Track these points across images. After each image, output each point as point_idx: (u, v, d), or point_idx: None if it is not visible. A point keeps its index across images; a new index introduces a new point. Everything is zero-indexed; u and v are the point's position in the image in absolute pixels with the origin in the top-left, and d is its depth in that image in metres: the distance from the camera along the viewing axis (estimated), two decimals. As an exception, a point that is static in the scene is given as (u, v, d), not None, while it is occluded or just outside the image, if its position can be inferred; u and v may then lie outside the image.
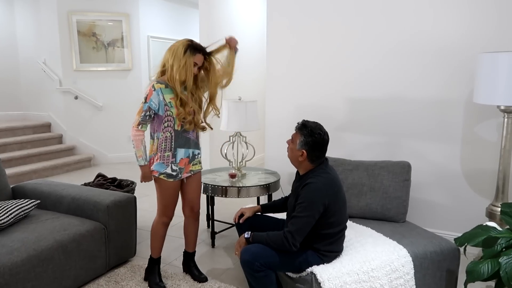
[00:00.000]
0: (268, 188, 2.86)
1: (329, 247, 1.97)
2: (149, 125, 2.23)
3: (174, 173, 2.23)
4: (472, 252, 2.58)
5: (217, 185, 2.80)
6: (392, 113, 3.00)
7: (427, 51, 2.84)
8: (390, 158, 3.01)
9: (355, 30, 3.05)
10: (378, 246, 2.09)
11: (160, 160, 2.21)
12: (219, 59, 2.32)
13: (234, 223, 2.27)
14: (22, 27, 5.95)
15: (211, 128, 2.41)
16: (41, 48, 5.74)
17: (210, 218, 2.99)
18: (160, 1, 6.09)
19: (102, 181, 3.27)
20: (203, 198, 3.63)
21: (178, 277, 2.49)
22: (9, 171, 4.58)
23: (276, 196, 3.06)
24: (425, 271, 2.09)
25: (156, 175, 2.22)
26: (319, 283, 1.86)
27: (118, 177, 3.43)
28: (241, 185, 2.83)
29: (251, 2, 5.36)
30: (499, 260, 1.72)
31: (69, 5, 5.42)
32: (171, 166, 2.22)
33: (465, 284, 1.83)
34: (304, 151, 1.94)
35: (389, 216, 2.49)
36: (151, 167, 2.22)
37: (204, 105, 2.34)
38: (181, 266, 2.58)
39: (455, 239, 1.97)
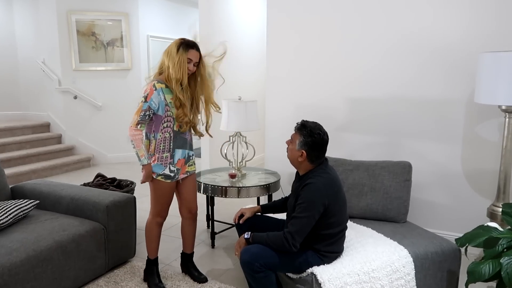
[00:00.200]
0: (268, 189, 2.85)
1: (330, 248, 1.97)
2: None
3: (172, 174, 2.23)
4: (473, 253, 2.57)
5: (217, 185, 2.79)
6: (392, 113, 2.99)
7: (428, 50, 2.83)
8: (390, 158, 3.01)
9: (355, 30, 3.04)
10: (379, 247, 2.09)
11: (158, 161, 2.20)
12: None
13: (234, 223, 2.26)
14: (21, 27, 5.94)
15: (211, 136, 2.44)
16: (40, 47, 5.73)
17: (210, 218, 2.98)
18: (159, 0, 6.08)
19: (102, 181, 3.26)
20: (203, 198, 3.62)
21: (177, 278, 2.48)
22: (8, 171, 4.57)
23: (276, 196, 3.05)
24: (426, 272, 2.09)
25: (154, 177, 2.21)
26: (320, 284, 1.86)
27: (118, 177, 3.42)
28: (241, 185, 2.82)
29: (251, 1, 5.35)
30: (500, 260, 1.72)
31: (68, 5, 5.41)
32: (169, 167, 2.22)
33: (466, 285, 1.83)
34: (304, 151, 1.94)
35: (390, 217, 2.49)
36: None
37: (202, 113, 2.32)
38: (180, 267, 2.56)
39: (456, 240, 1.96)
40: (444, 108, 2.83)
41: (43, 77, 5.72)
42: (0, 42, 5.84)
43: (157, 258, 2.41)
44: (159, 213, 2.30)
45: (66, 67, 5.52)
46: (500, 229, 1.91)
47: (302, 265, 1.95)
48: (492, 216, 2.42)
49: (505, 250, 1.79)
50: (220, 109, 2.42)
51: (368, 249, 2.07)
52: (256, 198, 3.20)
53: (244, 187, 2.80)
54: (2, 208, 2.27)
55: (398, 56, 2.93)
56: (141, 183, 2.24)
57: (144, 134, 2.21)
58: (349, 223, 2.36)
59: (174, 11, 6.37)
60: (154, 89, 2.12)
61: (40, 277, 2.06)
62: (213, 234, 2.94)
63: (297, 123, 2.01)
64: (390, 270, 1.96)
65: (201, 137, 2.41)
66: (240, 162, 3.11)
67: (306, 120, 2.00)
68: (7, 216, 2.23)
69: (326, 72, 3.19)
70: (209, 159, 4.61)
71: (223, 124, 3.04)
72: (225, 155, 3.14)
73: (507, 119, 2.35)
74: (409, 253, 2.05)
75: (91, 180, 3.38)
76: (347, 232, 2.16)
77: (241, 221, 2.21)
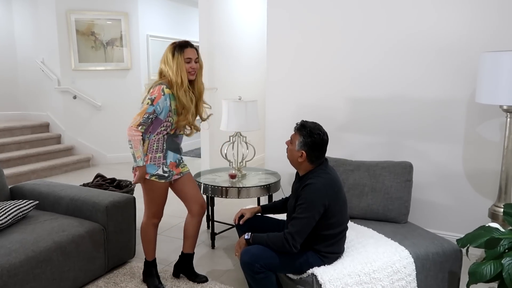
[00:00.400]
0: (269, 189, 2.84)
1: (330, 248, 1.96)
2: None
3: (166, 174, 2.23)
4: (475, 253, 2.57)
5: (217, 186, 2.78)
6: (393, 113, 2.98)
7: (429, 50, 2.82)
8: (391, 158, 3.00)
9: (356, 30, 3.03)
10: (380, 247, 2.08)
11: (151, 161, 2.20)
12: None
13: (234, 224, 2.26)
14: (20, 26, 5.92)
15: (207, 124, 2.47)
16: (39, 47, 5.71)
17: (210, 219, 2.97)
18: (159, 0, 6.06)
19: (101, 182, 3.25)
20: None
21: (177, 278, 2.46)
22: (7, 171, 4.56)
23: (277, 196, 3.04)
24: (427, 273, 2.08)
25: (147, 177, 2.20)
26: (320, 285, 1.85)
27: (117, 178, 3.41)
28: (241, 186, 2.81)
29: (251, 0, 5.34)
30: (502, 261, 1.72)
31: (68, 4, 5.40)
32: (163, 167, 2.22)
33: (468, 286, 1.82)
34: (304, 151, 1.93)
35: (391, 217, 2.48)
36: None
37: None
38: (173, 270, 2.50)
39: (457, 240, 1.96)
40: (445, 108, 2.82)
41: (42, 77, 5.70)
42: (-1, 42, 5.83)
43: (155, 259, 2.40)
44: (155, 214, 2.30)
45: (66, 67, 5.51)
46: (502, 229, 1.90)
47: (303, 266, 1.94)
48: (493, 216, 2.41)
49: (506, 250, 1.78)
50: (210, 107, 2.41)
51: (369, 249, 2.06)
52: (256, 198, 3.19)
53: (244, 187, 2.79)
54: (1, 209, 2.26)
55: (399, 56, 2.92)
56: (133, 183, 2.24)
57: None
58: (350, 224, 2.35)
59: (174, 10, 6.36)
60: (162, 93, 2.12)
61: (39, 278, 2.05)
62: (213, 235, 2.94)
63: (296, 124, 2.00)
64: (391, 271, 1.96)
65: (197, 131, 2.40)
66: (240, 163, 3.10)
67: (305, 121, 1.99)
68: (6, 217, 2.23)
69: (327, 72, 3.18)
70: (209, 159, 4.60)
71: (223, 124, 3.03)
72: (225, 155, 3.13)
73: (508, 119, 2.35)
74: (410, 253, 2.05)
75: (91, 180, 3.36)
76: (347, 233, 2.15)
77: (241, 222, 2.20)
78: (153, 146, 2.19)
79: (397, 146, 3.00)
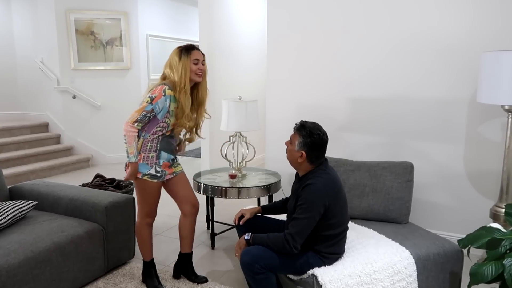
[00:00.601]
0: (269, 189, 2.83)
1: (331, 249, 1.95)
2: None
3: (159, 174, 2.23)
4: (476, 254, 2.56)
5: (217, 186, 2.77)
6: (394, 113, 2.97)
7: (430, 50, 2.81)
8: (392, 158, 2.99)
9: (357, 29, 3.03)
10: (380, 248, 2.07)
11: (143, 160, 2.20)
12: None
13: (234, 224, 2.25)
14: (19, 26, 5.91)
15: (202, 138, 2.49)
16: (38, 47, 5.70)
17: (210, 219, 2.96)
18: None
19: (101, 182, 3.24)
20: (203, 199, 3.60)
21: (177, 279, 2.45)
22: (6, 171, 4.55)
23: (277, 197, 3.03)
24: (428, 273, 2.07)
25: (140, 176, 2.20)
26: (321, 286, 1.84)
27: (117, 178, 3.40)
28: (241, 186, 2.80)
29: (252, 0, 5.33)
30: (503, 262, 1.71)
31: (67, 3, 5.38)
32: (155, 167, 2.22)
33: (469, 286, 1.81)
34: (303, 152, 1.92)
35: (392, 217, 2.47)
36: None
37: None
38: (173, 271, 2.49)
39: (458, 241, 1.95)
40: (446, 108, 2.81)
41: (41, 76, 5.69)
42: (-2, 42, 5.82)
43: (153, 259, 2.39)
44: (148, 213, 2.30)
45: (65, 66, 5.50)
46: (503, 230, 1.89)
47: (303, 267, 1.93)
48: (495, 217, 2.40)
49: (508, 251, 1.77)
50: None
51: (370, 250, 2.05)
52: (256, 199, 3.18)
53: (244, 187, 2.78)
54: (0, 209, 2.25)
55: (400, 56, 2.91)
56: (124, 180, 2.25)
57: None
58: (351, 224, 2.35)
59: (173, 10, 6.34)
60: (163, 94, 2.13)
61: (39, 279, 2.04)
62: (213, 235, 2.93)
63: (296, 124, 1.99)
64: (392, 272, 1.95)
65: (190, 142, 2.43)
66: (240, 163, 3.09)
67: (305, 121, 1.98)
68: (5, 217, 2.22)
69: (328, 72, 3.17)
70: (209, 159, 4.59)
71: (223, 124, 3.02)
72: (225, 155, 3.12)
73: (510, 119, 2.34)
74: (411, 254, 2.04)
75: (90, 180, 3.35)
76: (348, 233, 2.14)
77: (241, 222, 2.19)
78: (147, 146, 2.20)
79: (398, 146, 2.99)
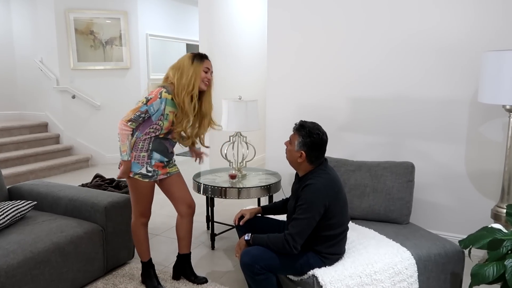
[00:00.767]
0: (269, 189, 2.82)
1: (331, 249, 1.94)
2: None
3: (150, 174, 2.22)
4: (477, 255, 2.55)
5: (217, 186, 2.76)
6: (395, 113, 2.97)
7: (431, 50, 2.80)
8: (393, 158, 2.98)
9: (358, 29, 3.02)
10: (381, 248, 2.06)
11: (135, 159, 2.20)
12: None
13: (234, 225, 2.24)
14: (18, 25, 5.90)
15: (207, 147, 2.50)
16: (38, 46, 5.69)
17: (210, 219, 2.95)
18: (158, -1, 6.05)
19: (100, 182, 3.23)
20: (203, 199, 3.60)
21: (177, 280, 2.44)
22: (5, 171, 4.54)
23: (277, 197, 3.03)
24: (429, 274, 2.06)
25: (131, 175, 2.20)
26: (321, 286, 1.83)
27: (116, 178, 3.39)
28: (241, 186, 2.79)
29: None
30: (505, 262, 1.71)
31: (67, 3, 5.37)
32: (146, 167, 2.21)
33: (470, 287, 1.80)
34: (303, 152, 1.91)
35: (392, 218, 2.46)
36: None
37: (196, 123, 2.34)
38: (172, 273, 2.48)
39: (459, 241, 1.94)
40: (447, 108, 2.80)
41: (41, 76, 5.68)
42: (-3, 41, 5.81)
43: (150, 259, 2.38)
44: (142, 213, 2.29)
45: (64, 66, 5.49)
46: (504, 230, 1.89)
47: (303, 267, 1.92)
48: (496, 217, 2.39)
49: (509, 252, 1.77)
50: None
51: (370, 250, 2.04)
52: (256, 199, 3.18)
53: (244, 188, 2.77)
54: (-1, 209, 2.24)
55: (401, 55, 2.90)
56: (117, 178, 2.25)
57: None
58: (351, 225, 2.34)
59: (173, 9, 6.33)
60: (159, 97, 2.13)
61: (38, 279, 2.03)
62: (213, 236, 2.92)
63: (295, 124, 1.99)
64: (392, 272, 1.94)
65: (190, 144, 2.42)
66: (240, 163, 3.08)
67: (304, 121, 1.98)
68: (4, 217, 2.21)
69: (329, 72, 3.16)
70: (209, 159, 4.58)
71: (223, 124, 3.01)
72: (225, 155, 3.11)
73: (511, 119, 2.33)
74: (412, 255, 2.03)
75: (90, 180, 3.35)
76: (349, 234, 2.13)
77: (241, 223, 2.19)
78: (138, 145, 2.20)
79: (398, 146, 2.98)
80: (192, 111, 2.20)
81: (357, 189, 2.53)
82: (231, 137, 3.14)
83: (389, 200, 2.46)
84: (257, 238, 1.94)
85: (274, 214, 2.29)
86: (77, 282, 2.28)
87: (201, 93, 2.27)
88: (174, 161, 2.39)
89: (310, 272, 1.90)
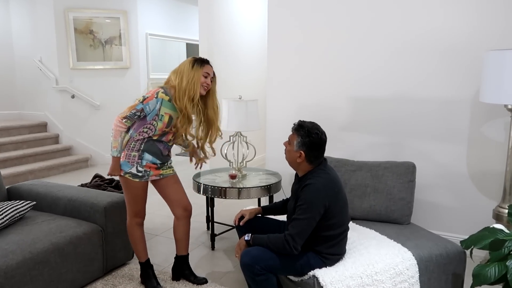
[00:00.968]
0: (269, 189, 2.81)
1: (331, 250, 1.94)
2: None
3: (140, 174, 2.21)
4: (479, 255, 2.54)
5: (217, 186, 2.75)
6: (396, 113, 2.96)
7: (434, 50, 2.79)
8: (394, 158, 2.97)
9: (360, 29, 3.00)
10: (382, 249, 2.05)
11: (125, 158, 2.20)
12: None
13: (234, 225, 2.23)
14: (17, 25, 5.88)
15: (214, 154, 2.48)
16: (37, 46, 5.68)
17: (210, 220, 2.94)
18: (158, -1, 6.04)
19: (99, 182, 3.22)
20: (203, 199, 3.59)
21: (177, 281, 2.43)
22: (4, 171, 4.53)
23: (278, 197, 3.02)
24: (430, 275, 2.06)
25: (122, 174, 2.21)
26: (322, 287, 1.82)
27: (116, 178, 3.38)
28: (241, 186, 2.79)
29: (251, -1, 5.31)
30: (507, 263, 1.70)
31: (66, 2, 5.36)
32: (137, 166, 2.20)
33: (472, 288, 1.80)
34: (302, 152, 1.90)
35: (393, 218, 2.45)
36: None
37: (202, 131, 2.34)
38: (172, 274, 2.47)
39: (461, 242, 1.93)
40: (449, 108, 2.79)
41: (40, 76, 5.67)
42: (-4, 41, 5.79)
43: (148, 260, 2.37)
44: (136, 213, 2.28)
45: (64, 65, 5.47)
46: (506, 231, 1.88)
47: (304, 268, 1.92)
48: (497, 217, 2.38)
49: (511, 252, 1.76)
50: (221, 134, 2.44)
51: (371, 251, 2.04)
52: (257, 199, 3.17)
53: (244, 188, 2.76)
54: (-2, 210, 2.23)
55: (403, 56, 2.89)
56: (108, 175, 2.24)
57: None
58: (352, 225, 2.33)
59: (173, 8, 6.32)
60: (155, 96, 2.14)
61: (37, 280, 2.02)
62: (213, 236, 2.91)
63: (294, 124, 1.98)
64: (393, 273, 1.93)
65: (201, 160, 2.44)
66: (240, 163, 3.07)
67: (303, 120, 1.97)
68: (3, 218, 2.20)
69: (330, 71, 3.15)
70: (209, 159, 4.57)
71: (223, 124, 3.00)
72: (225, 155, 3.10)
73: (512, 119, 2.32)
74: (413, 255, 2.02)
75: (89, 180, 3.34)
76: (349, 234, 2.12)
77: (241, 223, 2.18)
78: (131, 144, 2.20)
79: (399, 146, 2.97)
80: (195, 114, 2.21)
81: (358, 189, 2.52)
82: (231, 137, 3.13)
83: (390, 200, 2.45)
84: (257, 238, 1.93)
85: (274, 215, 2.28)
86: (77, 283, 2.27)
87: (205, 99, 2.27)
88: (171, 163, 2.37)
89: (311, 273, 1.89)
